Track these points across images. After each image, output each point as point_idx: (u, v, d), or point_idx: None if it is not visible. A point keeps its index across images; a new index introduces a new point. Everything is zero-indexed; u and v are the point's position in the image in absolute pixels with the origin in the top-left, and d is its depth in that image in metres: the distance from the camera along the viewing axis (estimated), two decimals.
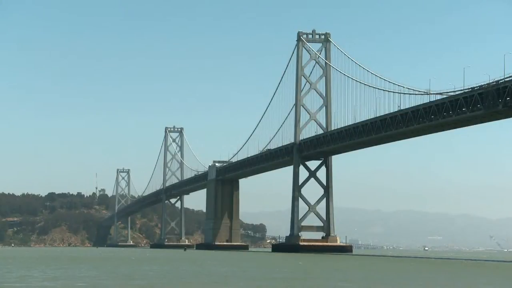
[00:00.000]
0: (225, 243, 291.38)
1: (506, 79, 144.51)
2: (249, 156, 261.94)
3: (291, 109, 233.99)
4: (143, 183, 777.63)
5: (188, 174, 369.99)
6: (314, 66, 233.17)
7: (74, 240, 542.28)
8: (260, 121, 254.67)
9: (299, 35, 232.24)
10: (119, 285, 69.43)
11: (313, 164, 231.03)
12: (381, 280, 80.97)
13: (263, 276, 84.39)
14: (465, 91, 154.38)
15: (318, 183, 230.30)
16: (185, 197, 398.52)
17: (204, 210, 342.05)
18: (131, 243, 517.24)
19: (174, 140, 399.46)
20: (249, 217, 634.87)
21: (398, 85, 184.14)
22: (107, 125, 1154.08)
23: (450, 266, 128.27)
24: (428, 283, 76.07)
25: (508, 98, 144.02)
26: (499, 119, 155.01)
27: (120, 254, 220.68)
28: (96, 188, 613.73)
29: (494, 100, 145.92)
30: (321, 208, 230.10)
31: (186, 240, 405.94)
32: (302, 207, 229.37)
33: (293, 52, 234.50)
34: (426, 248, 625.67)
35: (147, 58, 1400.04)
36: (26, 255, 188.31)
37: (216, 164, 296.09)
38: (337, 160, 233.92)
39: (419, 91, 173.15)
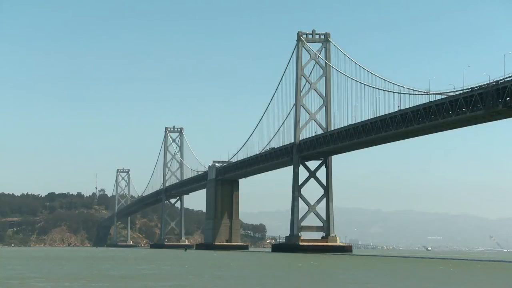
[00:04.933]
0: (225, 243, 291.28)
1: (506, 79, 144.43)
2: (249, 156, 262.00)
3: (291, 109, 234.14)
4: (143, 183, 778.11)
5: (188, 174, 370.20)
6: (314, 66, 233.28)
7: (74, 240, 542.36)
8: (260, 121, 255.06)
9: (299, 35, 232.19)
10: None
11: (313, 164, 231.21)
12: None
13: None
14: (465, 91, 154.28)
15: (318, 183, 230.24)
16: (185, 197, 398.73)
17: (204, 210, 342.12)
18: (131, 243, 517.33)
19: (174, 140, 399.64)
20: (249, 217, 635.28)
21: (398, 85, 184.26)
22: (107, 125, 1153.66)
23: (459, 267, 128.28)
24: (436, 283, 76.20)
25: (508, 98, 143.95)
26: (499, 119, 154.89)
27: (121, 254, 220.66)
28: (96, 188, 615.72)
29: (494, 100, 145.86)
30: (321, 208, 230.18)
31: (186, 240, 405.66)
32: (302, 207, 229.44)
33: (293, 52, 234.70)
34: (429, 248, 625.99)
35: (147, 59, 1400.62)
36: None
37: (216, 164, 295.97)
38: (337, 160, 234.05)
39: (419, 91, 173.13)
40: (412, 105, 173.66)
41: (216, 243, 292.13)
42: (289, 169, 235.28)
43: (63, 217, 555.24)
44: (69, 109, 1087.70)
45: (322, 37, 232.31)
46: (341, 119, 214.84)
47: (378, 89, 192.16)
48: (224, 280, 78.17)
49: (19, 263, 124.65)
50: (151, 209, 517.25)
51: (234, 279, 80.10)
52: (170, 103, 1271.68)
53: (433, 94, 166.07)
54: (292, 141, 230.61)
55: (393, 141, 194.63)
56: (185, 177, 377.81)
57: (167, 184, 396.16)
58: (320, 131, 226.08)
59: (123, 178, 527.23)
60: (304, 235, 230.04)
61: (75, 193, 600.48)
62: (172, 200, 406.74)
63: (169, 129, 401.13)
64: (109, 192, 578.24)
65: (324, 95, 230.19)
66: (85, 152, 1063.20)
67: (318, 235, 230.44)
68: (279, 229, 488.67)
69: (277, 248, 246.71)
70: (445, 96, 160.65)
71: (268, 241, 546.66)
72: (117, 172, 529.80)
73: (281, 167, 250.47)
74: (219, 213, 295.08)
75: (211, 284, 72.46)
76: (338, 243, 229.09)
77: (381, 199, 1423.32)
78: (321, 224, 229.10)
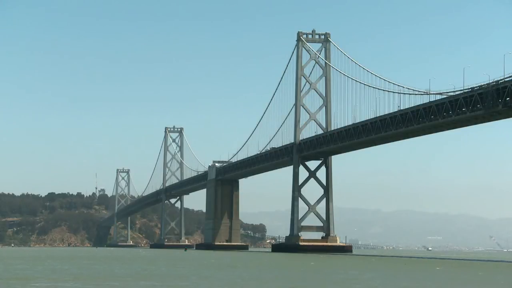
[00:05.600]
0: (225, 243, 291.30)
1: (506, 79, 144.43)
2: (249, 156, 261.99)
3: (291, 109, 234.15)
4: (143, 183, 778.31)
5: (188, 174, 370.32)
6: (314, 66, 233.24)
7: (74, 240, 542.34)
8: (260, 121, 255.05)
9: (299, 35, 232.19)
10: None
11: (313, 164, 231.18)
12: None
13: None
14: (465, 91, 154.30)
15: (318, 183, 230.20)
16: (185, 197, 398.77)
17: (204, 210, 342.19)
18: (131, 243, 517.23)
19: (174, 140, 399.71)
20: (249, 217, 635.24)
21: (398, 85, 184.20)
22: (107, 125, 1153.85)
23: (460, 267, 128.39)
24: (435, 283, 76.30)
25: (508, 98, 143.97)
26: (499, 119, 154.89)
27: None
28: (96, 188, 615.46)
29: (494, 100, 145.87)
30: (321, 208, 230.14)
31: (186, 240, 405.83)
32: (302, 207, 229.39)
33: (293, 52, 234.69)
34: (430, 248, 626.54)
35: (147, 58, 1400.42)
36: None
37: (216, 164, 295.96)
38: (337, 160, 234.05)
39: (419, 91, 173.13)
40: (412, 105, 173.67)
41: (216, 243, 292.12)
42: (289, 169, 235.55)
43: (63, 217, 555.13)
44: (69, 109, 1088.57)
45: (322, 37, 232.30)
46: (341, 119, 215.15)
47: (378, 89, 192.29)
48: (226, 280, 78.23)
49: (20, 263, 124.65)
50: (151, 209, 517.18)
51: (236, 279, 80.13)
52: (170, 103, 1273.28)
53: (433, 94, 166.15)
54: (292, 141, 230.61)
55: (393, 141, 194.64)
56: (185, 177, 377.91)
57: (167, 184, 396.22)
58: (320, 131, 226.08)
59: (123, 178, 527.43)
60: (304, 235, 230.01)
61: (75, 193, 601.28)
62: (172, 200, 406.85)
63: (169, 129, 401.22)
64: (109, 192, 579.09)
65: (324, 95, 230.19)
66: (85, 152, 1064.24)
67: (318, 235, 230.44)
68: (279, 229, 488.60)
69: (277, 248, 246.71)
70: (445, 96, 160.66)
71: (268, 241, 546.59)
72: (117, 172, 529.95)
73: (281, 167, 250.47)
74: (219, 213, 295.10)
75: (213, 284, 72.51)
76: (338, 243, 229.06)
77: (381, 199, 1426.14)
78: (321, 224, 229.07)
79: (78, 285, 70.41)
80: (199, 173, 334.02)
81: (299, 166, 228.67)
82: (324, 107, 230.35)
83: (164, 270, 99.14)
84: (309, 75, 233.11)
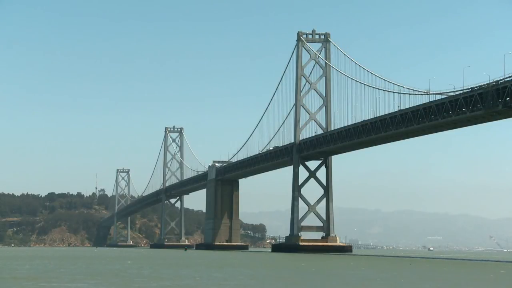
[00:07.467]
0: (225, 243, 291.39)
1: (506, 79, 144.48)
2: (249, 156, 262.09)
3: (291, 109, 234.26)
4: (143, 183, 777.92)
5: (188, 174, 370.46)
6: (314, 66, 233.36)
7: (74, 240, 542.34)
8: (260, 121, 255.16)
9: (299, 35, 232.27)
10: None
11: (313, 164, 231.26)
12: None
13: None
14: (465, 91, 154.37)
15: (318, 183, 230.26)
16: (185, 197, 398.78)
17: (204, 210, 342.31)
18: (131, 243, 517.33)
19: (174, 140, 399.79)
20: (249, 217, 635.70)
21: (398, 85, 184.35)
22: (107, 125, 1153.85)
23: (461, 266, 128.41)
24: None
25: (507, 98, 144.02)
26: (499, 119, 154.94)
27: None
28: (96, 188, 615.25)
29: (494, 100, 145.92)
30: (321, 208, 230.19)
31: (186, 240, 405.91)
32: (302, 207, 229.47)
33: (293, 52, 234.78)
34: (431, 248, 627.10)
35: (147, 58, 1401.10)
36: None
37: (216, 164, 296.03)
38: (337, 160, 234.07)
39: (419, 91, 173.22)
40: (412, 105, 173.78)
41: (216, 243, 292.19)
42: (289, 169, 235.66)
43: (63, 217, 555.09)
44: (69, 109, 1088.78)
45: (322, 37, 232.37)
46: (341, 119, 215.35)
47: (378, 89, 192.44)
48: (228, 280, 78.32)
49: (24, 263, 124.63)
50: (151, 209, 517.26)
51: (238, 279, 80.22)
52: (170, 103, 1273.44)
53: (433, 94, 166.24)
54: (292, 141, 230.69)
55: (393, 141, 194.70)
56: (185, 177, 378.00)
57: (167, 184, 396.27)
58: (320, 131, 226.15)
59: (123, 178, 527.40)
60: (304, 235, 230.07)
61: (75, 193, 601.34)
62: (172, 200, 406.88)
63: (169, 129, 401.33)
64: (109, 192, 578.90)
65: (324, 95, 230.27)
66: (85, 152, 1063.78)
67: (318, 235, 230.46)
68: (279, 229, 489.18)
69: (277, 248, 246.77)
70: (445, 96, 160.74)
71: (268, 241, 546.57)
72: (117, 172, 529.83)
73: (281, 167, 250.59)
74: (219, 213, 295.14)
75: (219, 285, 72.60)
76: (338, 243, 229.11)
77: (381, 199, 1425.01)
78: (321, 224, 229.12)
79: (84, 284, 70.45)
80: (199, 173, 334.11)
81: (299, 166, 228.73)
82: (324, 107, 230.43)
83: (167, 270, 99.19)
84: (309, 75, 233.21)
